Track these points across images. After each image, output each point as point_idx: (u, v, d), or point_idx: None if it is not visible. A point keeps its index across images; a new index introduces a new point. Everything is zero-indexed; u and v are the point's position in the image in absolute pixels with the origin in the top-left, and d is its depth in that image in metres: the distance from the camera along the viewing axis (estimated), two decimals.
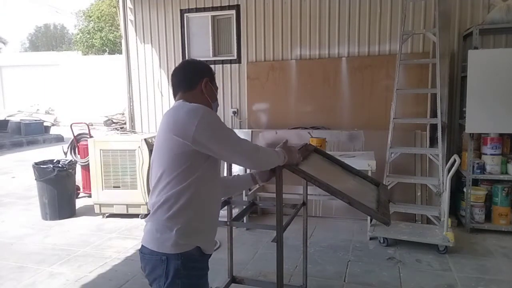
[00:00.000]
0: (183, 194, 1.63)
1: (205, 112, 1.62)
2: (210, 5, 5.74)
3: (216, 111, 1.88)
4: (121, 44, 6.91)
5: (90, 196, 5.32)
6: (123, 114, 14.93)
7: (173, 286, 1.66)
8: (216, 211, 1.84)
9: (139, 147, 4.71)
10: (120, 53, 9.78)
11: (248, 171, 4.22)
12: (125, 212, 4.88)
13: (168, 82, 6.07)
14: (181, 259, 1.65)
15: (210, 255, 1.81)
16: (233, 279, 2.91)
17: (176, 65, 1.87)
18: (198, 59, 1.93)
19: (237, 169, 4.43)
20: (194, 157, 1.62)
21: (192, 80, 1.79)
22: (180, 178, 1.63)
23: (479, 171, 4.26)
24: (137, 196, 4.78)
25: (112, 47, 23.94)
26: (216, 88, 1.90)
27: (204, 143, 1.60)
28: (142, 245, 1.73)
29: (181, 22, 5.93)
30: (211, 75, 1.84)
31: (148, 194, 4.95)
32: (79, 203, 5.48)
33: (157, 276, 1.67)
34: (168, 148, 1.64)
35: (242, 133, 5.19)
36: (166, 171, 1.64)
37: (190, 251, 1.68)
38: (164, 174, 1.64)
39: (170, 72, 6.38)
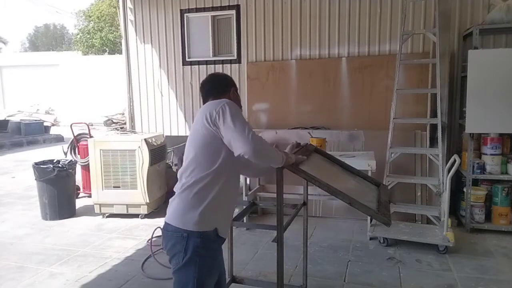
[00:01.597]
0: (210, 177, 1.83)
1: (229, 102, 1.86)
2: (210, 5, 5.74)
3: None
4: (121, 44, 6.91)
5: (90, 196, 5.32)
6: (123, 114, 14.93)
7: (190, 261, 1.83)
8: (235, 199, 2.06)
9: (139, 147, 4.71)
10: (120, 53, 9.79)
11: None
12: (125, 212, 4.88)
13: (168, 82, 6.08)
14: (201, 237, 1.84)
15: (224, 239, 2.00)
16: (233, 279, 2.91)
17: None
18: (222, 74, 2.22)
19: None
20: (221, 144, 1.82)
21: (223, 90, 2.04)
22: (208, 163, 1.83)
23: (479, 171, 4.26)
24: (137, 196, 4.78)
25: (112, 47, 23.93)
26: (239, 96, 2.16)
27: (219, 125, 1.78)
28: (165, 223, 1.91)
29: (181, 22, 5.93)
30: (235, 87, 2.12)
31: (148, 194, 4.98)
32: (79, 203, 5.47)
33: (177, 252, 1.85)
34: (199, 135, 1.85)
35: None
36: (197, 156, 1.85)
37: (209, 231, 1.87)
38: (195, 158, 1.85)
39: (170, 72, 6.37)
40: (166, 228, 1.90)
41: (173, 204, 1.91)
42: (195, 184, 1.84)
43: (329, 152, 2.83)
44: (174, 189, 1.94)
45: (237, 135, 1.76)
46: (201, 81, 2.11)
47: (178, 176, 1.94)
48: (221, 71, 5.71)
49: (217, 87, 2.04)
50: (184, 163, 1.93)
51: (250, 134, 1.77)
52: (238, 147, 1.76)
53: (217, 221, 1.90)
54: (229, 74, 5.64)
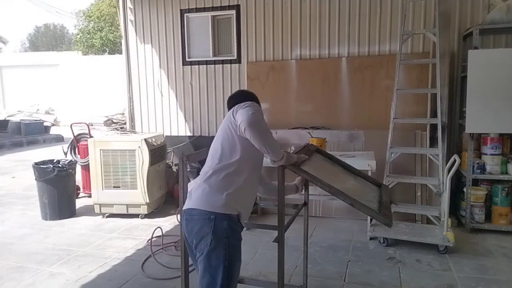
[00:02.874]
0: (236, 166, 1.97)
1: (254, 103, 2.00)
2: (210, 5, 5.74)
3: None
4: (121, 44, 6.91)
5: (90, 196, 5.32)
6: (123, 114, 14.92)
7: (220, 242, 1.90)
8: (255, 189, 2.20)
9: (139, 147, 4.71)
10: (120, 53, 9.79)
11: None
12: (125, 212, 4.88)
13: (168, 82, 6.08)
14: (227, 219, 1.93)
15: (243, 227, 2.13)
16: None
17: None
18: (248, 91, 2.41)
19: None
20: (243, 139, 1.95)
21: (247, 99, 2.13)
22: (234, 152, 1.98)
23: (479, 171, 4.26)
24: (137, 196, 4.78)
25: (112, 47, 23.92)
26: None
27: (242, 128, 1.90)
28: (189, 209, 1.99)
29: (181, 22, 5.93)
30: (258, 102, 2.25)
31: (148, 194, 4.97)
32: (79, 203, 5.47)
33: (205, 234, 1.90)
34: (226, 128, 2.01)
35: None
36: (225, 145, 2.00)
37: (234, 215, 1.98)
38: (223, 146, 2.00)
39: (170, 72, 6.36)
40: (190, 213, 1.97)
41: (198, 191, 1.99)
42: (222, 169, 1.96)
43: (329, 152, 2.83)
44: (194, 181, 2.07)
45: (243, 111, 1.91)
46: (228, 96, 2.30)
47: (201, 170, 2.07)
48: (221, 71, 5.74)
49: (241, 100, 2.12)
50: (210, 150, 2.08)
51: (252, 112, 1.89)
52: (239, 118, 1.90)
53: (242, 206, 2.01)
54: (229, 74, 5.70)
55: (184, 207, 2.04)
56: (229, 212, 1.95)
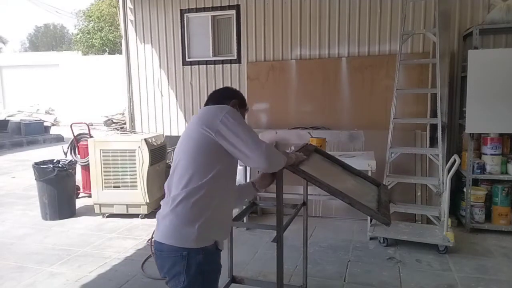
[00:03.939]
0: (206, 188, 1.67)
1: (231, 109, 1.74)
2: (210, 5, 5.74)
3: None
4: (121, 44, 6.91)
5: (90, 196, 5.32)
6: (123, 114, 14.93)
7: (195, 282, 1.68)
8: (232, 208, 1.93)
9: (139, 147, 4.71)
10: (120, 53, 9.79)
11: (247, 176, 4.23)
12: (125, 212, 4.88)
13: (168, 82, 6.08)
14: (202, 253, 1.68)
15: (221, 251, 1.84)
16: (233, 279, 2.91)
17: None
18: (231, 88, 2.10)
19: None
20: (217, 152, 1.69)
21: (223, 97, 1.92)
22: (203, 172, 1.68)
23: (479, 171, 4.26)
24: (137, 196, 4.78)
25: (112, 47, 23.93)
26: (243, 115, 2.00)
27: (225, 136, 1.66)
28: (157, 242, 1.72)
29: (181, 22, 5.93)
30: (242, 102, 1.99)
31: (148, 193, 4.96)
32: (79, 203, 5.47)
33: (177, 273, 1.67)
34: (194, 141, 1.70)
35: None
36: (190, 164, 1.69)
37: (209, 246, 1.72)
38: (188, 167, 1.69)
39: (170, 72, 6.36)
40: (160, 248, 1.71)
41: (165, 221, 1.70)
42: (190, 195, 1.66)
43: (329, 152, 2.82)
44: (162, 203, 1.77)
45: (252, 147, 1.65)
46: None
47: (166, 189, 1.77)
48: (221, 71, 5.74)
49: (221, 97, 1.93)
50: (173, 173, 1.75)
51: (263, 145, 1.67)
52: (253, 161, 1.67)
53: (217, 233, 1.77)
54: (229, 74, 5.69)
55: (154, 237, 1.77)
56: (204, 245, 1.68)
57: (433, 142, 4.59)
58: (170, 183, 1.76)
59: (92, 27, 24.09)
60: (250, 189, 2.10)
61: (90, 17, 24.45)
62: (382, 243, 3.94)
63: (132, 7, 6.17)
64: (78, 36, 25.16)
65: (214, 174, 1.69)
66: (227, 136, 1.65)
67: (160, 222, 1.74)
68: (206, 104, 1.93)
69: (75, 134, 6.01)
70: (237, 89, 2.17)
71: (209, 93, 2.00)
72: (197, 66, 5.91)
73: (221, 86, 5.64)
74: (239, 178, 4.75)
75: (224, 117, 1.67)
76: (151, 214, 4.91)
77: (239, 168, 4.75)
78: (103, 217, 4.97)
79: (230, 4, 5.62)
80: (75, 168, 5.27)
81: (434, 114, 4.49)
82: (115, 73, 16.12)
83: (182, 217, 1.67)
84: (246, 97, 2.08)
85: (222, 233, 1.82)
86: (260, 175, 2.10)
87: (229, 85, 5.67)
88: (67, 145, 6.19)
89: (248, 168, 4.49)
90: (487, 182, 4.41)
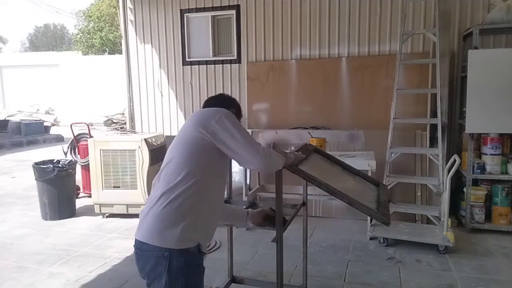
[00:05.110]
0: (194, 190, 1.66)
1: (228, 112, 1.75)
2: (210, 5, 5.74)
3: None
4: (121, 44, 6.91)
5: (90, 196, 5.32)
6: (123, 114, 14.94)
7: (176, 282, 1.64)
8: (220, 211, 1.92)
9: (139, 147, 4.71)
10: (120, 53, 9.79)
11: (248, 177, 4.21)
12: (125, 212, 4.88)
13: (168, 82, 6.08)
14: (184, 255, 1.65)
15: (204, 253, 1.82)
16: (233, 279, 2.91)
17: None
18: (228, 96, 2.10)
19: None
20: (209, 155, 1.69)
21: (219, 105, 1.89)
22: (193, 174, 1.66)
23: (479, 171, 4.26)
24: (137, 196, 4.78)
25: (112, 47, 23.94)
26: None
27: (222, 138, 1.66)
28: (138, 241, 1.69)
29: (181, 22, 5.93)
30: (237, 110, 2.01)
31: (148, 194, 4.95)
32: (79, 203, 5.47)
33: (158, 275, 1.64)
34: (188, 142, 1.70)
35: None
36: (182, 165, 1.67)
37: (192, 247, 1.69)
38: (179, 167, 1.67)
39: (170, 72, 6.35)
40: (140, 247, 1.68)
41: (148, 219, 1.68)
42: (177, 196, 1.64)
43: (329, 152, 2.83)
44: (147, 201, 1.74)
45: (250, 150, 1.66)
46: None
47: (152, 185, 1.76)
48: (221, 71, 5.74)
49: (219, 103, 1.92)
50: (162, 171, 1.73)
51: (260, 148, 1.68)
52: (252, 162, 1.68)
53: (200, 235, 1.73)
54: (229, 74, 5.69)
55: (135, 235, 1.73)
56: (186, 246, 1.65)
57: (433, 142, 4.59)
58: (157, 180, 1.75)
59: (92, 27, 24.11)
60: (244, 217, 2.18)
61: (90, 17, 24.48)
62: (382, 243, 3.94)
63: (132, 7, 6.17)
64: (78, 36, 25.19)
65: (205, 178, 1.69)
66: (223, 137, 1.66)
67: (143, 220, 1.71)
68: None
69: (75, 134, 6.01)
70: (238, 88, 2.18)
71: (209, 93, 2.01)
72: (197, 66, 5.91)
73: (221, 86, 5.71)
74: (239, 178, 4.77)
75: (220, 119, 1.68)
76: None
77: (240, 169, 4.79)
78: (103, 217, 4.97)
79: (230, 4, 5.62)
80: (75, 168, 5.27)
81: (434, 114, 4.49)
82: (115, 73, 16.12)
83: (166, 217, 1.64)
84: (246, 97, 2.10)
85: (205, 236, 1.79)
86: (258, 211, 2.17)
87: (228, 86, 5.71)
88: (67, 145, 6.19)
89: (248, 170, 4.49)
90: (487, 182, 4.41)
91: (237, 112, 2.00)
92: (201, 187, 1.67)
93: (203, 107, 1.93)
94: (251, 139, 1.71)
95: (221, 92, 5.66)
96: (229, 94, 2.11)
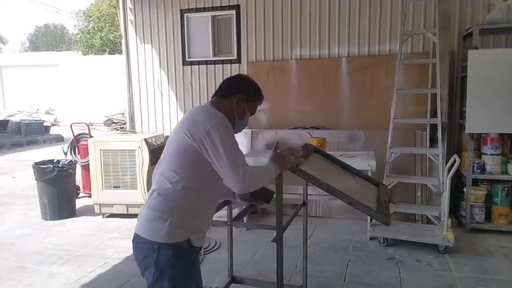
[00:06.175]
0: (182, 189, 1.69)
1: (221, 121, 1.68)
2: (210, 5, 5.74)
3: (240, 130, 1.91)
4: (121, 44, 6.91)
5: (90, 196, 5.32)
6: (123, 114, 14.93)
7: (162, 275, 1.71)
8: (212, 212, 1.92)
9: (139, 147, 4.71)
10: (120, 53, 9.79)
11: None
12: (125, 212, 4.88)
13: (168, 82, 6.08)
14: (172, 249, 1.70)
15: (201, 247, 1.86)
16: (233, 279, 2.91)
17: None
18: (251, 79, 1.94)
19: None
20: (199, 158, 1.67)
21: (229, 90, 1.85)
22: (184, 170, 1.69)
23: (479, 171, 4.26)
24: (137, 196, 4.78)
25: (112, 47, 23.93)
26: (252, 111, 1.91)
27: (207, 149, 1.64)
28: (135, 234, 1.78)
29: (181, 22, 5.93)
30: (251, 96, 1.86)
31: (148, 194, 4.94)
32: (79, 203, 5.47)
33: (148, 265, 1.73)
34: (177, 143, 1.71)
35: (242, 133, 5.19)
36: (172, 163, 1.72)
37: (181, 242, 1.73)
38: (170, 165, 1.72)
39: (170, 72, 6.35)
40: (136, 239, 1.77)
41: (142, 212, 1.77)
42: (167, 192, 1.70)
43: (329, 152, 2.82)
44: (148, 195, 1.82)
45: (228, 171, 1.62)
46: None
47: (152, 178, 1.82)
48: (221, 71, 5.73)
49: (229, 87, 1.87)
50: (157, 167, 1.80)
51: (241, 170, 1.63)
52: (229, 183, 1.66)
53: (189, 232, 1.75)
54: (229, 74, 5.68)
55: (134, 228, 1.82)
56: (174, 241, 1.70)
57: (433, 142, 4.59)
58: (154, 174, 1.81)
59: (92, 27, 24.11)
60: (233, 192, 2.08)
61: (90, 17, 24.47)
62: (382, 243, 3.94)
63: (132, 7, 6.17)
64: (78, 36, 25.19)
65: (194, 177, 1.71)
66: (208, 150, 1.64)
67: (140, 214, 1.80)
68: (213, 95, 1.89)
69: (75, 134, 6.01)
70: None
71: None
72: (197, 66, 5.90)
73: None
74: None
75: (209, 131, 1.63)
76: None
77: None
78: (103, 217, 4.97)
79: (230, 4, 5.62)
80: (75, 168, 5.27)
81: (434, 114, 4.49)
82: (115, 73, 16.10)
83: (156, 210, 1.72)
84: None
85: (195, 232, 1.78)
86: None
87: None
88: (67, 145, 6.19)
89: None
90: (487, 182, 4.41)
91: (254, 95, 1.88)
92: (190, 185, 1.70)
93: (216, 91, 1.88)
94: (233, 157, 1.64)
95: None
96: (247, 76, 2.00)
